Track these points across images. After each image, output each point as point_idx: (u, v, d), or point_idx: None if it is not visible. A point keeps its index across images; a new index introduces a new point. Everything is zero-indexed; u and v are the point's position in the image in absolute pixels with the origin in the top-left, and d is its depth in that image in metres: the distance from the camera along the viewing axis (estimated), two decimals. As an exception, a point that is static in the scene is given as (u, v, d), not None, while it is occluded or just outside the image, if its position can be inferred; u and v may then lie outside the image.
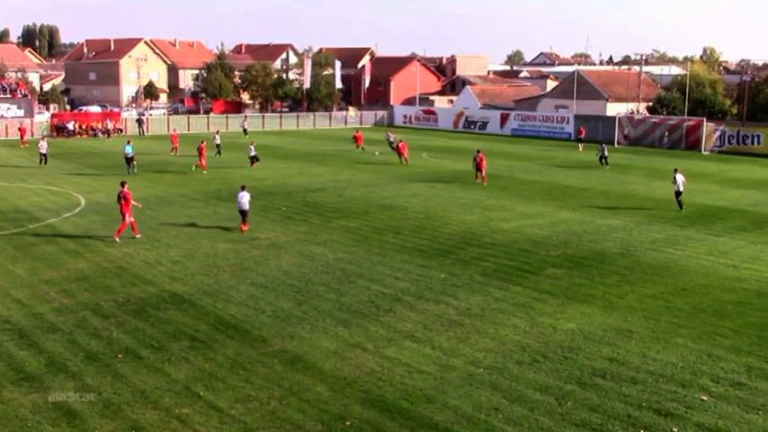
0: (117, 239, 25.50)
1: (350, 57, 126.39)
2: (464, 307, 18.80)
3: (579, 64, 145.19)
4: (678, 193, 32.75)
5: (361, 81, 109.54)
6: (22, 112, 75.15)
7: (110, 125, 70.90)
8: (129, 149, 43.33)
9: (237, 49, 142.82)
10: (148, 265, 22.46)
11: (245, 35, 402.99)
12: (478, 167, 40.58)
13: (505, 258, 23.82)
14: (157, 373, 14.48)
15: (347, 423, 12.52)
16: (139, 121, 75.01)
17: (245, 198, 27.46)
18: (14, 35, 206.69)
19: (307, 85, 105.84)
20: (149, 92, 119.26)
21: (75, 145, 62.25)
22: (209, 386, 13.88)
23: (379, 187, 39.05)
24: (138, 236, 25.91)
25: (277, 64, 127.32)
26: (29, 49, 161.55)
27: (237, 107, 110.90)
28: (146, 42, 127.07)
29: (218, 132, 55.50)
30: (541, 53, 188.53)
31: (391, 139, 56.15)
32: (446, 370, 14.76)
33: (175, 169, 45.28)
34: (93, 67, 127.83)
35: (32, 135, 68.45)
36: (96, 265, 22.51)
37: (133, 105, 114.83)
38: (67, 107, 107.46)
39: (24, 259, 23.04)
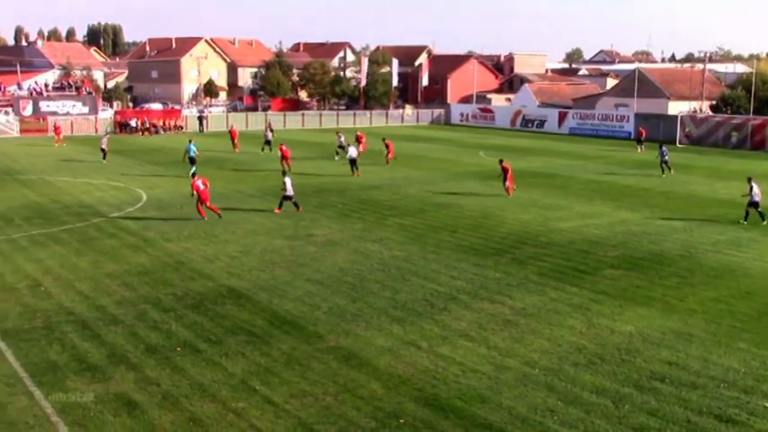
0: (218, 214, 28.86)
1: (407, 55, 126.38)
2: (519, 307, 18.65)
3: (640, 62, 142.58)
4: (754, 204, 29.24)
5: (418, 79, 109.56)
6: (86, 110, 77.05)
7: (146, 123, 71.84)
8: (192, 148, 42.64)
9: (295, 48, 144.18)
10: (207, 260, 22.82)
11: (303, 33, 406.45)
12: (504, 177, 35.45)
13: (562, 258, 23.55)
14: (215, 366, 14.70)
15: (401, 421, 12.53)
16: (200, 119, 76.30)
17: (288, 183, 29.85)
18: (80, 34, 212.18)
19: (363, 83, 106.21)
20: (209, 90, 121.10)
21: (136, 141, 63.57)
22: (264, 381, 14.04)
23: (435, 185, 38.97)
24: (205, 218, 28.51)
25: (335, 62, 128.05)
26: (94, 47, 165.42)
27: (295, 105, 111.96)
28: (206, 41, 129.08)
29: (268, 126, 56.17)
30: (601, 51, 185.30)
31: (342, 141, 50.96)
32: (501, 370, 14.67)
33: (233, 166, 45.92)
34: (155, 65, 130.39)
35: (96, 131, 70.25)
36: (156, 259, 22.96)
37: (193, 103, 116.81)
38: (130, 104, 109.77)
39: (88, 252, 23.63)
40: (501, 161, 36.50)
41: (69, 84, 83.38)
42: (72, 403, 12.97)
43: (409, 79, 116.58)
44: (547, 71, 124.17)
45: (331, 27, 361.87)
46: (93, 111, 77.85)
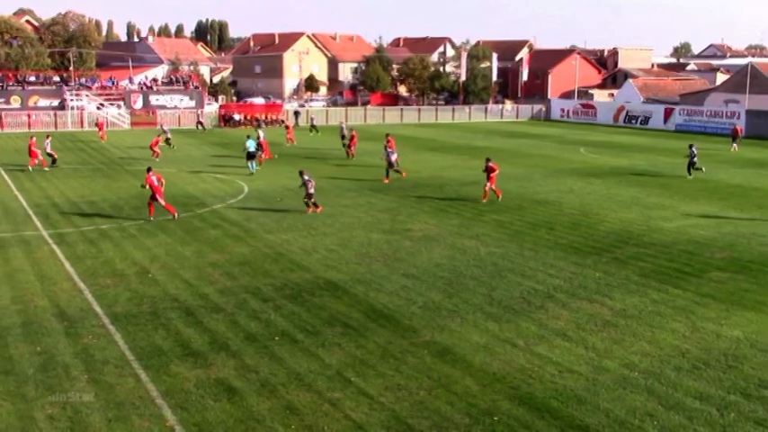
0: (149, 216, 27.66)
1: (507, 49, 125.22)
2: (619, 307, 18.19)
3: (753, 56, 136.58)
4: None
5: (518, 74, 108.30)
6: (193, 103, 79.57)
7: (201, 118, 72.49)
8: (251, 144, 39.74)
9: (395, 43, 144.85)
10: (305, 252, 23.21)
11: (403, 28, 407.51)
12: (487, 178, 32.07)
13: (665, 259, 22.82)
14: (311, 356, 14.95)
15: (495, 418, 12.43)
16: (296, 113, 77.68)
17: (310, 181, 29.08)
18: (188, 30, 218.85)
19: (463, 77, 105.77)
20: (310, 84, 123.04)
21: (240, 135, 65.09)
22: (359, 372, 14.19)
23: (534, 182, 38.45)
24: (151, 218, 27.53)
25: (434, 57, 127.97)
26: (201, 43, 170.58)
27: (394, 100, 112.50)
28: (308, 36, 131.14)
29: (342, 123, 57.07)
30: (711, 45, 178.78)
31: (345, 132, 51.16)
32: (599, 371, 14.35)
33: (333, 161, 46.48)
34: (258, 60, 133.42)
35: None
36: (257, 250, 23.50)
37: (295, 97, 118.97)
38: (234, 98, 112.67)
39: (192, 242, 24.42)
40: (488, 159, 32.75)
41: (177, 78, 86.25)
42: (176, 387, 13.45)
43: (509, 74, 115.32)
44: (653, 66, 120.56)
45: (431, 22, 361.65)
46: (200, 105, 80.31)
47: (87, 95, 75.52)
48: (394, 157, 38.07)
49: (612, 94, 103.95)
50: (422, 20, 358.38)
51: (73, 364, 14.39)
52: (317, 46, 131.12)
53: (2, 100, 71.64)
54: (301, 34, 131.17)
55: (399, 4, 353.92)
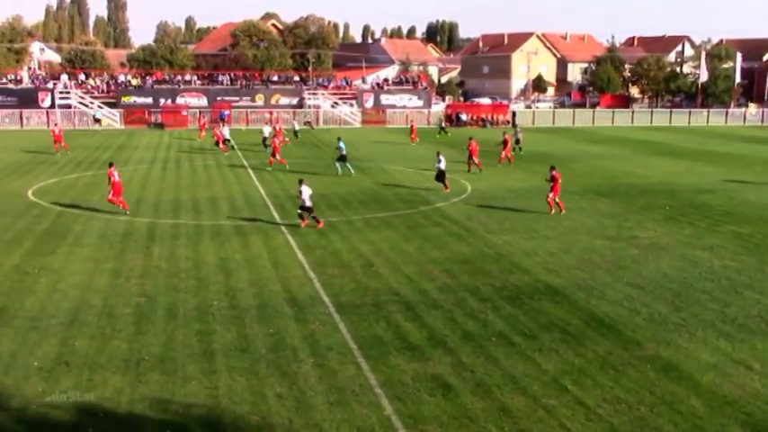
0: (118, 206, 28.06)
1: (754, 48, 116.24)
2: None
3: None
4: None
5: (765, 75, 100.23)
6: (421, 103, 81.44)
7: (308, 118, 71.68)
8: (342, 146, 39.26)
9: (629, 42, 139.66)
10: (525, 255, 22.97)
11: (638, 27, 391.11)
12: (551, 188, 29.19)
13: None
14: (527, 360, 14.78)
15: (723, 444, 11.61)
16: (513, 114, 77.71)
17: (305, 193, 25.77)
18: (419, 31, 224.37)
19: (702, 78, 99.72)
20: (538, 85, 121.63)
21: (466, 134, 65.72)
22: (577, 381, 13.82)
23: (779, 192, 35.37)
24: (127, 209, 28.03)
25: (671, 57, 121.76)
26: (431, 44, 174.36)
27: (625, 101, 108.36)
28: (537, 36, 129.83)
29: (518, 126, 55.94)
30: None
31: (519, 135, 47.65)
32: None
33: (553, 162, 45.61)
34: (486, 60, 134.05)
35: (428, 123, 74.06)
36: (477, 249, 23.60)
37: (522, 98, 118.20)
38: (461, 99, 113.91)
39: (414, 238, 25.00)
40: (552, 168, 29.63)
41: (407, 78, 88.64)
42: (393, 379, 13.85)
43: (756, 75, 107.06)
44: None
45: (669, 20, 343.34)
46: (427, 104, 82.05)
47: (323, 94, 79.65)
48: (443, 166, 33.85)
49: None
50: (659, 18, 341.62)
51: (300, 348, 15.27)
52: (546, 46, 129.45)
53: (248, 98, 77.38)
54: (531, 34, 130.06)
55: (635, 1, 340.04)
